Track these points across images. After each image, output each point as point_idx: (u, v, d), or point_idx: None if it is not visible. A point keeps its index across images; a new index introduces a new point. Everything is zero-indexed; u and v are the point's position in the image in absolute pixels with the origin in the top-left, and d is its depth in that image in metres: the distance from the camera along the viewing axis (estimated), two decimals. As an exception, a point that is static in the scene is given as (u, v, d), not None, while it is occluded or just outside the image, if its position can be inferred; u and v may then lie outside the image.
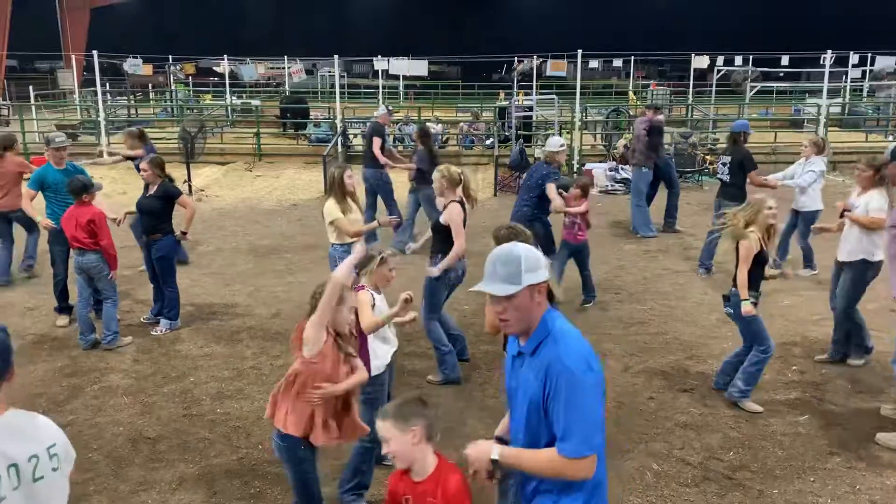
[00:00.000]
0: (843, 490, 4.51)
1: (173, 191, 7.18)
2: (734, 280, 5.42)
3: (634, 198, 11.28)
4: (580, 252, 7.80)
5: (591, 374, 2.48)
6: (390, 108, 11.79)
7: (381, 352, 4.37)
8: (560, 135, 17.42)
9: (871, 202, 6.14)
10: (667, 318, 7.52)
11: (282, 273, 9.12)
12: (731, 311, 5.49)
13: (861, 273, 6.18)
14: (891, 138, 19.67)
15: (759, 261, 5.33)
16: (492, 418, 5.39)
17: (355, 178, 6.46)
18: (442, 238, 5.95)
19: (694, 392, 5.85)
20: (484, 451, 2.64)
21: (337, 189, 6.23)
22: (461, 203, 6.05)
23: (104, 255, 6.60)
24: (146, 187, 7.32)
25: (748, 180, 8.88)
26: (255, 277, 9.00)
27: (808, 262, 8.88)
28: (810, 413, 5.47)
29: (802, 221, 8.53)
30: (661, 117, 11.73)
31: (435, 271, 5.91)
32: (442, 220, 5.94)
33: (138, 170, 7.61)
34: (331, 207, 6.23)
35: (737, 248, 5.39)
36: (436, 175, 6.16)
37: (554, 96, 18.53)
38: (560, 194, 7.73)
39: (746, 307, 5.31)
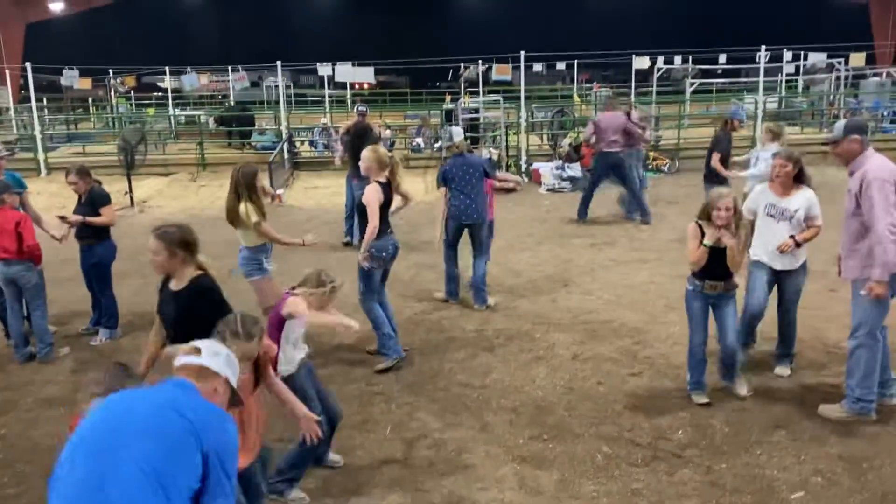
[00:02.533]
0: (789, 461, 4.57)
1: (98, 198, 6.91)
2: None
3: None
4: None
5: None
6: (362, 109, 11.47)
7: (289, 356, 4.25)
8: (507, 136, 17.58)
9: (812, 208, 5.59)
10: (614, 306, 7.57)
11: (224, 278, 8.90)
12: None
13: (805, 272, 5.85)
14: (826, 130, 20.29)
15: (714, 253, 5.10)
16: (442, 411, 5.36)
17: (264, 182, 6.33)
18: (364, 220, 6.04)
19: (642, 376, 5.88)
20: None
21: (252, 190, 6.04)
22: (384, 185, 6.06)
23: (31, 259, 6.35)
24: (79, 196, 7.08)
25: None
26: (199, 284, 8.79)
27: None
28: (754, 390, 5.54)
29: None
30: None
31: (363, 261, 6.05)
32: (363, 199, 6.02)
33: None
34: (250, 210, 6.01)
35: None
36: (365, 154, 6.12)
37: (499, 98, 18.64)
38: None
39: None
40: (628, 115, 11.61)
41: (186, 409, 2.39)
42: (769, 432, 4.92)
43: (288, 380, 4.13)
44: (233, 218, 6.10)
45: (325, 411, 4.34)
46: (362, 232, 6.14)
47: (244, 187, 6.03)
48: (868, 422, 4.98)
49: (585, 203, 11.77)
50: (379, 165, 6.06)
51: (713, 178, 9.40)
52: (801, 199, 5.58)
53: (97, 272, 6.94)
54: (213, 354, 2.64)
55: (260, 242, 6.19)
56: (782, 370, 5.82)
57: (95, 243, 6.87)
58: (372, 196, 5.97)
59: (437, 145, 18.78)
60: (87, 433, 2.38)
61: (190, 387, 2.53)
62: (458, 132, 8.02)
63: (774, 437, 4.86)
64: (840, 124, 5.03)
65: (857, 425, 4.96)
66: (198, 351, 2.63)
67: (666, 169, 16.57)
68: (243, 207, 6.02)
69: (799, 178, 5.60)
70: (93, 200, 6.85)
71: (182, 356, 2.64)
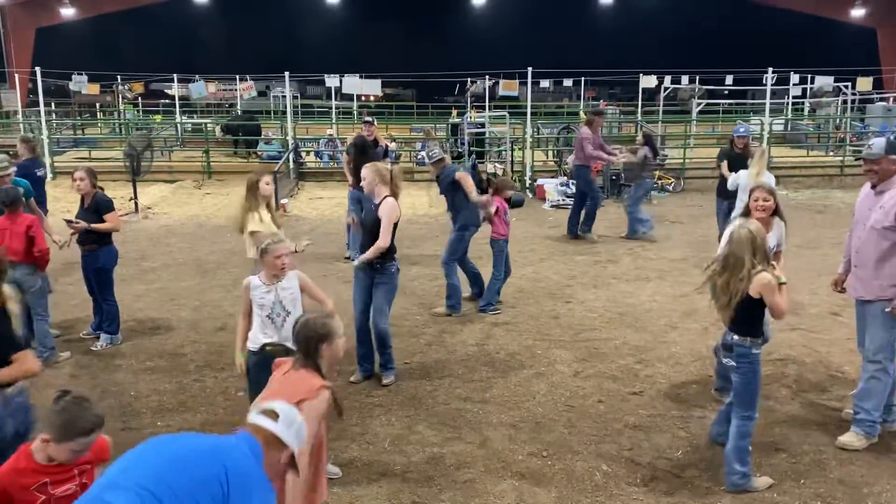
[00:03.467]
0: (789, 485, 4.54)
1: (102, 204, 6.89)
2: (733, 325, 4.43)
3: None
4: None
5: None
6: (369, 119, 11.54)
7: (253, 335, 4.49)
8: (512, 151, 17.64)
9: (781, 237, 5.48)
10: (616, 324, 7.55)
11: (228, 287, 8.94)
12: (734, 363, 4.47)
13: None
14: (832, 153, 20.33)
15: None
16: (442, 425, 5.34)
17: (272, 186, 6.24)
18: (373, 235, 5.95)
19: (643, 395, 5.86)
20: None
21: (252, 196, 6.00)
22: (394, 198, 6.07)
23: (38, 264, 6.34)
24: (82, 200, 7.07)
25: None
26: (200, 292, 8.81)
27: None
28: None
29: None
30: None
31: (359, 261, 6.04)
32: (380, 212, 5.94)
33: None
34: (252, 219, 5.95)
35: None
36: (365, 173, 6.07)
37: (506, 113, 18.71)
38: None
39: None
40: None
41: (230, 463, 2.31)
42: (770, 455, 4.89)
43: (250, 356, 4.42)
44: (239, 227, 6.07)
45: None
46: (364, 248, 6.05)
47: (245, 194, 6.05)
48: (868, 447, 4.96)
49: (589, 219, 11.79)
50: (381, 180, 6.02)
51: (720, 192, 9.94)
52: (777, 234, 5.36)
53: (99, 277, 6.94)
54: (289, 424, 2.54)
55: None
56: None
57: (97, 249, 6.86)
58: (392, 212, 5.90)
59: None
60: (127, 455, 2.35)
61: (255, 452, 2.44)
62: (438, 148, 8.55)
63: (774, 460, 4.83)
64: (881, 142, 4.93)
65: (856, 450, 4.93)
66: (275, 415, 2.54)
67: (671, 188, 16.59)
68: (245, 215, 6.01)
69: (775, 211, 5.27)
70: (97, 206, 6.85)
71: (256, 414, 2.56)
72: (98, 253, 6.88)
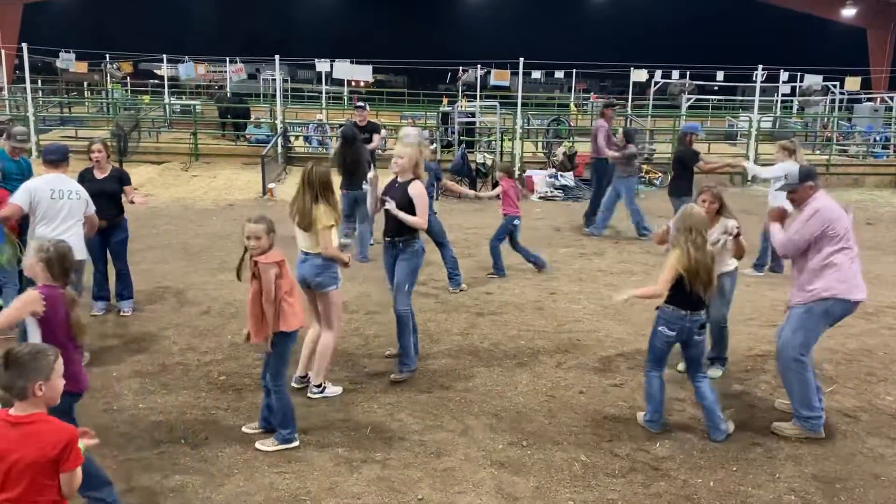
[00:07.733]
0: (764, 479, 4.61)
1: (125, 174, 7.30)
2: (701, 303, 5.01)
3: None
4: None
5: None
6: (361, 104, 11.46)
7: None
8: (502, 141, 17.63)
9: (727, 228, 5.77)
10: (600, 316, 7.61)
11: (214, 271, 8.92)
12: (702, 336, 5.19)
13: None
14: (818, 152, 20.46)
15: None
16: (423, 413, 5.37)
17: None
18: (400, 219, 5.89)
19: (624, 387, 5.91)
20: None
21: (328, 191, 5.34)
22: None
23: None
24: (89, 172, 7.08)
25: (694, 175, 9.94)
26: (185, 275, 8.78)
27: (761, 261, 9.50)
28: (735, 406, 5.58)
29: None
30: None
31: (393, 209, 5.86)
32: (411, 192, 5.85)
33: None
34: (326, 212, 5.28)
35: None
36: (407, 150, 5.97)
37: (496, 103, 18.69)
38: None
39: None
40: None
41: None
42: (746, 449, 4.96)
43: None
44: (309, 222, 5.29)
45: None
46: (390, 233, 6.00)
47: (320, 187, 5.31)
48: (843, 442, 5.05)
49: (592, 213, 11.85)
50: (418, 162, 5.98)
51: (681, 192, 9.83)
52: (719, 228, 5.66)
53: (121, 247, 7.28)
54: None
55: (317, 252, 5.40)
56: (714, 372, 6.03)
57: (121, 220, 7.24)
58: (425, 194, 5.92)
59: (430, 147, 18.79)
60: None
61: None
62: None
63: (751, 454, 4.90)
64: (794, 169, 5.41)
65: (831, 446, 5.02)
66: None
67: (658, 182, 16.66)
68: (321, 210, 5.29)
69: (720, 211, 5.80)
70: (121, 176, 7.17)
71: None
72: (123, 223, 7.24)
